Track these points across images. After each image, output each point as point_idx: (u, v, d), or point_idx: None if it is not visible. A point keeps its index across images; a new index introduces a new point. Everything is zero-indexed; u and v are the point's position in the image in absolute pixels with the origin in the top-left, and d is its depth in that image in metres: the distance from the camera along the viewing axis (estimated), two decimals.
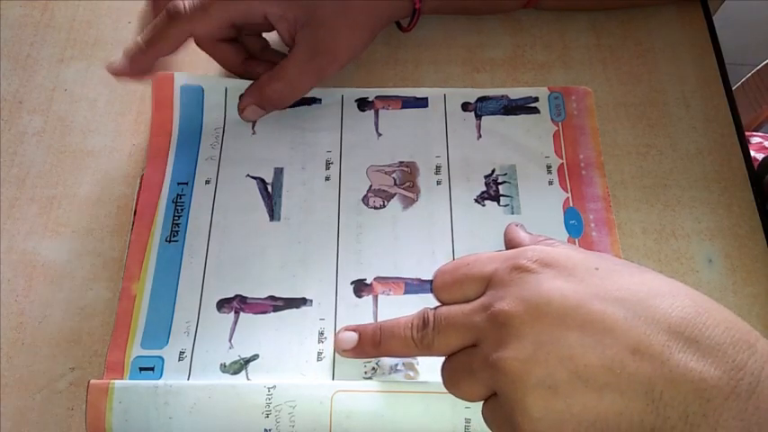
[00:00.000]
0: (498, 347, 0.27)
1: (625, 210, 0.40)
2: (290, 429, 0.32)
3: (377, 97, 0.43)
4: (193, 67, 0.44)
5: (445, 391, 0.33)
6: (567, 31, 0.47)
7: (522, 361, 0.26)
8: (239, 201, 0.39)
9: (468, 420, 0.32)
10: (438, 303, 0.32)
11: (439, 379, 0.34)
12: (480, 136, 0.42)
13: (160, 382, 0.33)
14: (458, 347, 0.30)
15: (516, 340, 0.27)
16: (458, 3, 0.45)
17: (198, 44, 0.40)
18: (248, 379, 0.34)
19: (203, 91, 0.42)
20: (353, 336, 0.33)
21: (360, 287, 0.37)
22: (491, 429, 0.29)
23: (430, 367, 0.35)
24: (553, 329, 0.26)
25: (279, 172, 0.40)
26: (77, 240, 0.39)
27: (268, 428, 0.32)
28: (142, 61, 0.36)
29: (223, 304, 0.36)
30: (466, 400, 0.30)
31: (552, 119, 0.42)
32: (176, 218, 0.39)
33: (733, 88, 0.44)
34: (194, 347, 0.35)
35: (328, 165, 0.41)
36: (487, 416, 0.29)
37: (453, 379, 0.30)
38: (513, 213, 0.39)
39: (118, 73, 0.36)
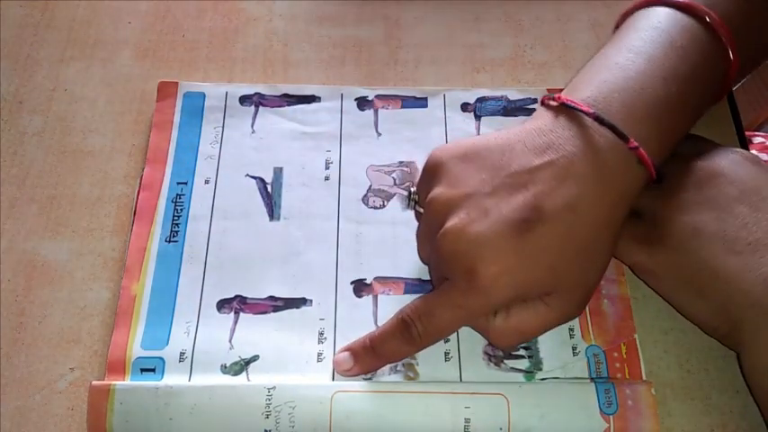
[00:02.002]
0: None
1: None
2: (289, 430, 0.32)
3: (377, 96, 0.43)
4: (194, 69, 0.44)
5: (445, 390, 0.33)
6: (567, 31, 0.47)
7: None
8: (239, 200, 0.39)
9: (467, 420, 0.32)
10: None
11: (438, 379, 0.34)
12: None
13: (161, 383, 0.33)
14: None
15: None
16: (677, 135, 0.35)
17: None
18: (248, 380, 0.34)
19: (204, 95, 0.42)
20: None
21: (360, 287, 0.37)
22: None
23: (430, 367, 0.35)
24: None
25: (278, 171, 0.40)
26: (77, 240, 0.39)
27: (268, 429, 0.32)
28: (370, 367, 0.34)
29: (223, 304, 0.36)
30: None
31: None
32: (176, 218, 0.39)
33: (733, 88, 0.44)
34: (194, 348, 0.35)
35: (328, 164, 0.41)
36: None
37: None
38: None
39: (343, 373, 0.34)
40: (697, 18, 0.34)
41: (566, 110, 0.32)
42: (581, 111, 0.32)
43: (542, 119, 0.33)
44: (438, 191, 0.32)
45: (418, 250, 0.36)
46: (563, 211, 0.30)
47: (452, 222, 0.31)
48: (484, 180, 0.31)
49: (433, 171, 0.33)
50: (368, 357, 0.34)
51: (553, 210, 0.30)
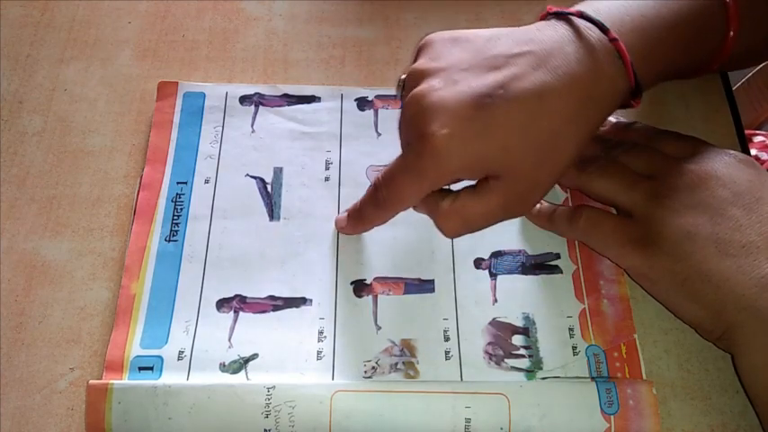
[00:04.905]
0: None
1: None
2: (289, 429, 0.32)
3: (376, 96, 0.43)
4: (194, 69, 0.45)
5: (446, 390, 0.33)
6: None
7: None
8: (239, 200, 0.39)
9: (468, 420, 0.32)
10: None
11: (439, 379, 0.34)
12: None
13: (159, 382, 0.33)
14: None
15: None
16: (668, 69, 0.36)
17: None
18: (248, 378, 0.34)
19: (205, 94, 0.43)
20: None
21: (359, 287, 0.37)
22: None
23: (430, 367, 0.35)
24: None
25: (278, 171, 0.40)
26: (77, 240, 0.39)
27: (267, 428, 0.32)
28: (357, 228, 0.38)
29: (222, 304, 0.36)
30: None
31: None
32: (176, 217, 0.39)
33: (733, 88, 0.44)
34: (194, 347, 0.35)
35: (328, 165, 0.41)
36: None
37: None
38: None
39: (340, 230, 0.39)
40: None
41: (555, 15, 0.34)
42: (568, 13, 0.33)
43: (534, 24, 0.34)
44: (418, 63, 0.34)
45: (400, 136, 0.36)
46: (529, 96, 0.31)
47: (420, 87, 0.32)
48: (463, 59, 0.33)
49: (420, 49, 0.35)
50: (355, 219, 0.37)
51: (519, 91, 0.31)
